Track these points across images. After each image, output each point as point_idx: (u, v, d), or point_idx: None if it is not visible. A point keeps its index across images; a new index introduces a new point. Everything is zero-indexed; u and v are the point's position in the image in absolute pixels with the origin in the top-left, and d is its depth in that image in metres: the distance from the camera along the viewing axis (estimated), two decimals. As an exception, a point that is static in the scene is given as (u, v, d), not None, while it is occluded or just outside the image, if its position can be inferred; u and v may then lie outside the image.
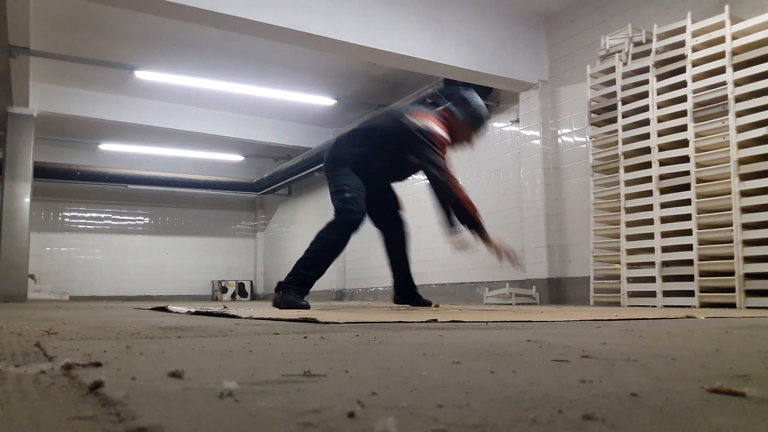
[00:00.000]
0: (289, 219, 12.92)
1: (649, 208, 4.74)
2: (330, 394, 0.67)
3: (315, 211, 11.62)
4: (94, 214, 12.67)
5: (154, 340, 1.42)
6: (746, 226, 4.12)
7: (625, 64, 5.10)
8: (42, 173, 10.00)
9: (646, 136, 4.82)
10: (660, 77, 4.80)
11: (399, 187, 4.40)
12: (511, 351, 1.17)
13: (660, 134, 4.74)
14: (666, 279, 4.59)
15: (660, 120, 4.75)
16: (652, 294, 4.66)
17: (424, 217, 8.45)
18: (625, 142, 4.97)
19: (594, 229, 5.26)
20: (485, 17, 6.18)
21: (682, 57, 4.64)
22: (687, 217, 4.47)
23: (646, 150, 4.82)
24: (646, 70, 4.90)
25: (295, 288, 3.70)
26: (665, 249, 4.60)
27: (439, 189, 3.73)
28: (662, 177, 4.69)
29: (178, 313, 3.29)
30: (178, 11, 4.87)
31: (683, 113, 4.57)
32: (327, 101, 8.82)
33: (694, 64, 4.55)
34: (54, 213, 12.26)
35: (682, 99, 4.59)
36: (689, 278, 4.40)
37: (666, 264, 4.59)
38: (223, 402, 0.62)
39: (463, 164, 7.79)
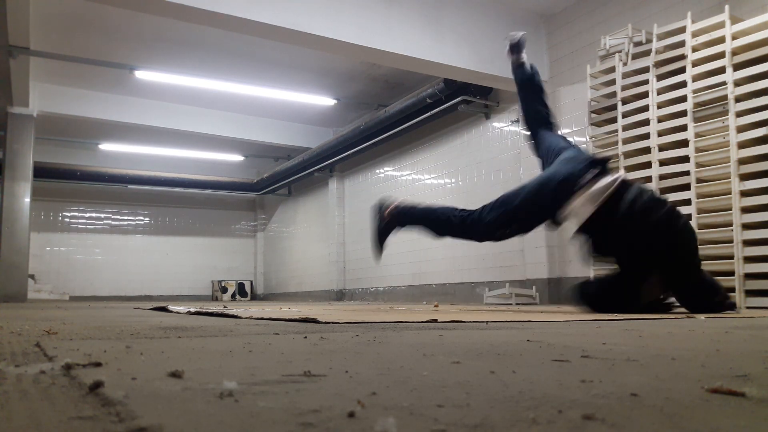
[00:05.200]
0: (289, 219, 12.93)
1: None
2: (330, 394, 0.67)
3: (315, 211, 11.63)
4: (94, 214, 12.68)
5: (154, 340, 1.42)
6: (746, 226, 4.12)
7: (625, 64, 5.10)
8: (42, 173, 10.01)
9: (646, 136, 4.81)
10: (660, 77, 4.80)
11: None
12: (511, 351, 1.17)
13: (660, 134, 4.74)
14: (666, 279, 4.58)
15: (660, 120, 4.74)
16: (652, 294, 4.65)
17: (424, 217, 8.45)
18: (625, 142, 4.97)
19: (594, 229, 5.25)
20: (485, 17, 6.18)
21: (682, 57, 4.64)
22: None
23: (646, 150, 4.82)
24: (646, 70, 4.90)
25: None
26: (665, 249, 4.59)
27: None
28: (662, 177, 4.69)
29: (178, 313, 3.30)
30: (178, 11, 4.87)
31: (683, 113, 4.57)
32: (327, 101, 8.82)
33: (694, 64, 4.55)
34: (54, 213, 12.26)
35: (682, 99, 4.59)
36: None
37: (666, 264, 4.58)
38: (223, 402, 0.62)
39: (463, 164, 7.79)
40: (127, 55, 7.50)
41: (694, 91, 4.50)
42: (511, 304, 5.99)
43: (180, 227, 13.41)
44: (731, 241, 4.16)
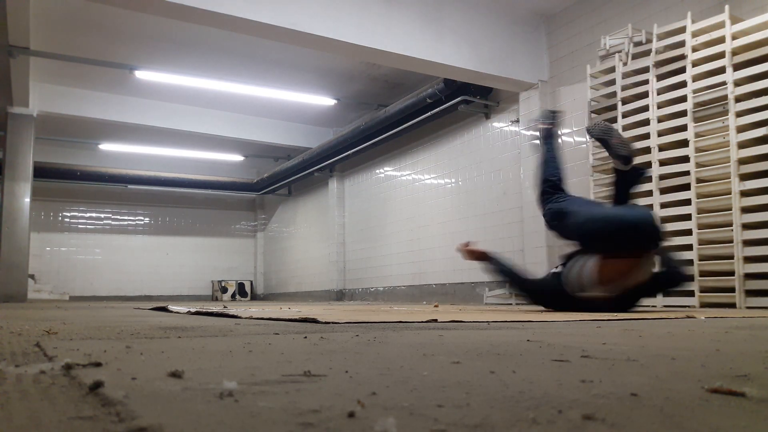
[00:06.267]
0: (289, 219, 12.93)
1: (649, 208, 4.74)
2: (330, 394, 0.67)
3: (315, 211, 11.63)
4: (94, 214, 12.67)
5: (154, 340, 1.42)
6: (746, 226, 4.12)
7: (625, 64, 5.10)
8: (42, 173, 10.01)
9: (646, 136, 4.81)
10: (660, 77, 4.80)
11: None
12: (511, 351, 1.17)
13: (660, 134, 4.74)
14: (666, 279, 4.58)
15: (660, 120, 4.74)
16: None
17: (424, 217, 8.46)
18: (625, 142, 4.97)
19: (594, 229, 5.24)
20: (485, 17, 6.18)
21: (682, 57, 4.64)
22: (687, 217, 4.46)
23: (646, 150, 4.81)
24: (646, 70, 4.90)
25: None
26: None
27: None
28: (662, 177, 4.69)
29: (178, 313, 3.30)
30: (178, 11, 4.87)
31: (683, 113, 4.57)
32: (327, 101, 8.82)
33: (694, 64, 4.55)
34: (54, 213, 12.26)
35: (682, 99, 4.59)
36: (689, 278, 4.40)
37: (666, 264, 4.58)
38: (223, 402, 0.62)
39: (463, 164, 7.79)
40: (127, 55, 7.49)
41: (694, 91, 4.50)
42: (511, 304, 5.99)
43: (180, 227, 13.41)
44: (731, 241, 4.16)
